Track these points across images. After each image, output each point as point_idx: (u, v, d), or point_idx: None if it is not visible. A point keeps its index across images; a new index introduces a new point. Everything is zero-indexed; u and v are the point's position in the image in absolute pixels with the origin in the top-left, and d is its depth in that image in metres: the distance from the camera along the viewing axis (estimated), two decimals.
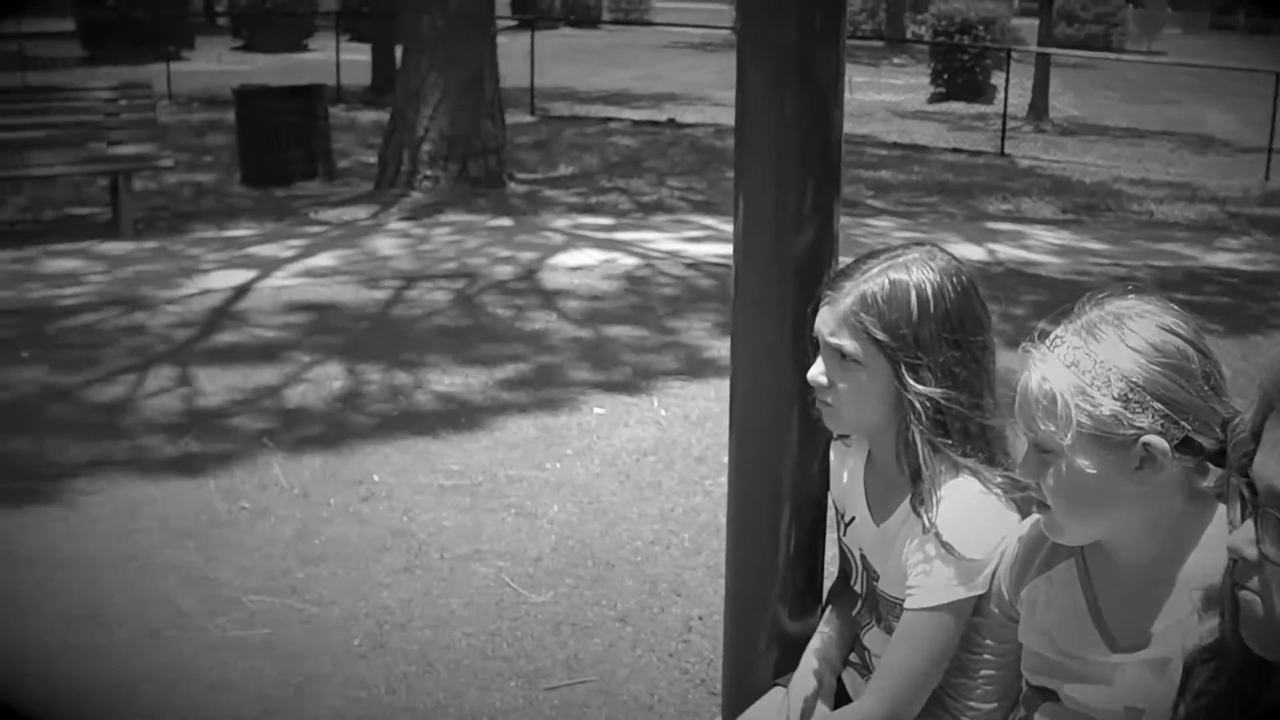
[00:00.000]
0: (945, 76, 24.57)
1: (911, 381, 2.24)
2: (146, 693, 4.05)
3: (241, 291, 8.84)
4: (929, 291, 2.26)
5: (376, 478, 5.68)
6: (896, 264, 2.30)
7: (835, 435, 2.50)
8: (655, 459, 5.92)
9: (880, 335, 2.25)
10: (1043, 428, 1.90)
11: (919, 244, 2.38)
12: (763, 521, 2.61)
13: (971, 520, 2.22)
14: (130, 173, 11.01)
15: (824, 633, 2.59)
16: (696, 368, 7.23)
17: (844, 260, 2.43)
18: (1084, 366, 1.88)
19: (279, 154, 13.05)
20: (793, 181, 2.48)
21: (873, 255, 2.36)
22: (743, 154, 2.56)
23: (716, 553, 4.90)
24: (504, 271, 9.45)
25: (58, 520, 5.27)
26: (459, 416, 6.44)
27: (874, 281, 2.28)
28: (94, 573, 4.81)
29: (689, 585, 4.73)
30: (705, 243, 10.49)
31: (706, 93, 24.52)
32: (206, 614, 4.52)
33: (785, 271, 2.49)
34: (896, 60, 31.87)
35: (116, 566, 4.87)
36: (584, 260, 9.79)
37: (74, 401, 6.72)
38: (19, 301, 8.66)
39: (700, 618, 4.49)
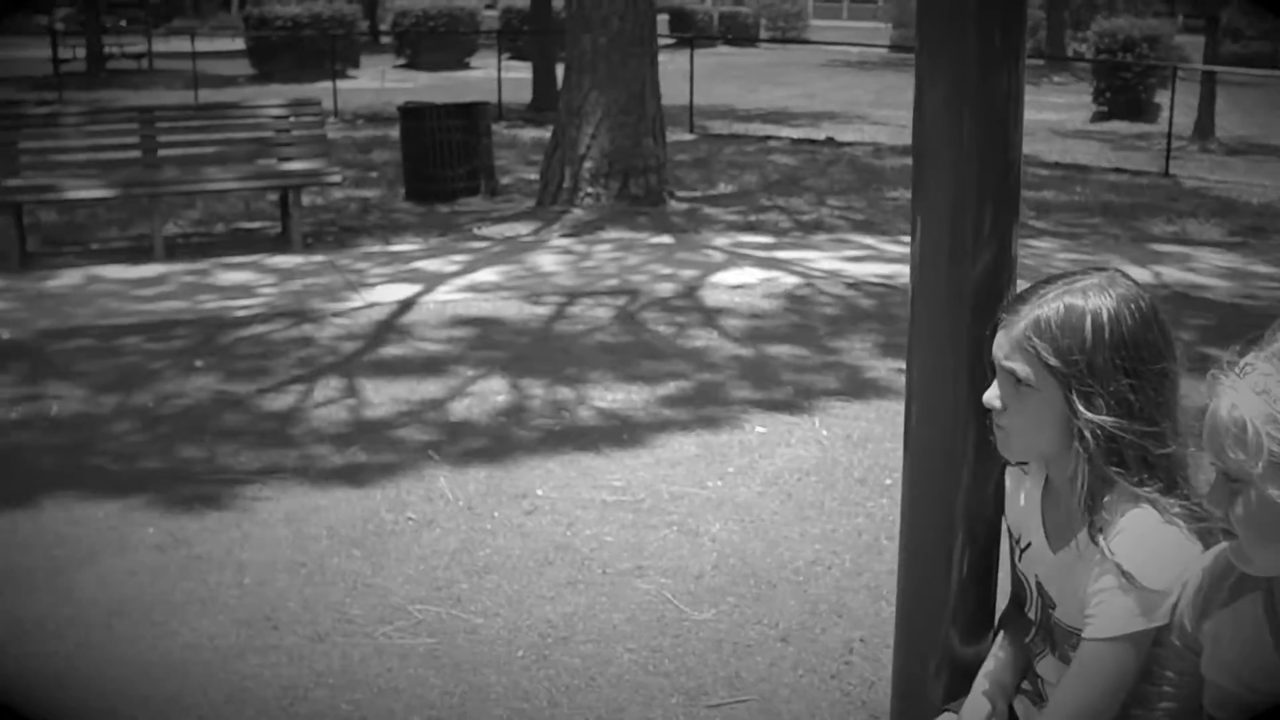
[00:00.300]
0: (1108, 95, 24.13)
1: (1082, 409, 2.22)
2: (315, 696, 4.13)
3: (407, 305, 9.01)
4: (1104, 318, 2.23)
5: (540, 492, 5.75)
6: (1073, 289, 2.28)
7: (1014, 462, 2.48)
8: (817, 479, 5.90)
9: (1052, 361, 2.23)
10: (1232, 456, 1.86)
11: (1100, 269, 2.36)
12: (935, 544, 2.60)
13: (1153, 550, 2.18)
14: (300, 188, 11.29)
15: (997, 657, 2.56)
16: (858, 388, 7.19)
17: (1022, 283, 2.41)
18: (1276, 394, 1.84)
19: (443, 170, 13.27)
20: (971, 203, 2.47)
21: (1052, 279, 2.34)
22: (920, 174, 2.55)
23: (878, 574, 4.88)
24: (665, 289, 9.50)
25: (231, 526, 5.41)
26: (621, 433, 6.49)
27: (1049, 306, 2.26)
28: (267, 577, 4.94)
29: (850, 607, 4.71)
30: (866, 262, 10.44)
31: (865, 111, 24.43)
32: (374, 621, 4.61)
33: (963, 294, 2.48)
34: (1057, 79, 31.43)
35: (287, 572, 4.98)
36: (744, 278, 9.80)
37: (245, 410, 6.89)
38: (193, 312, 8.93)
39: (862, 640, 4.47)
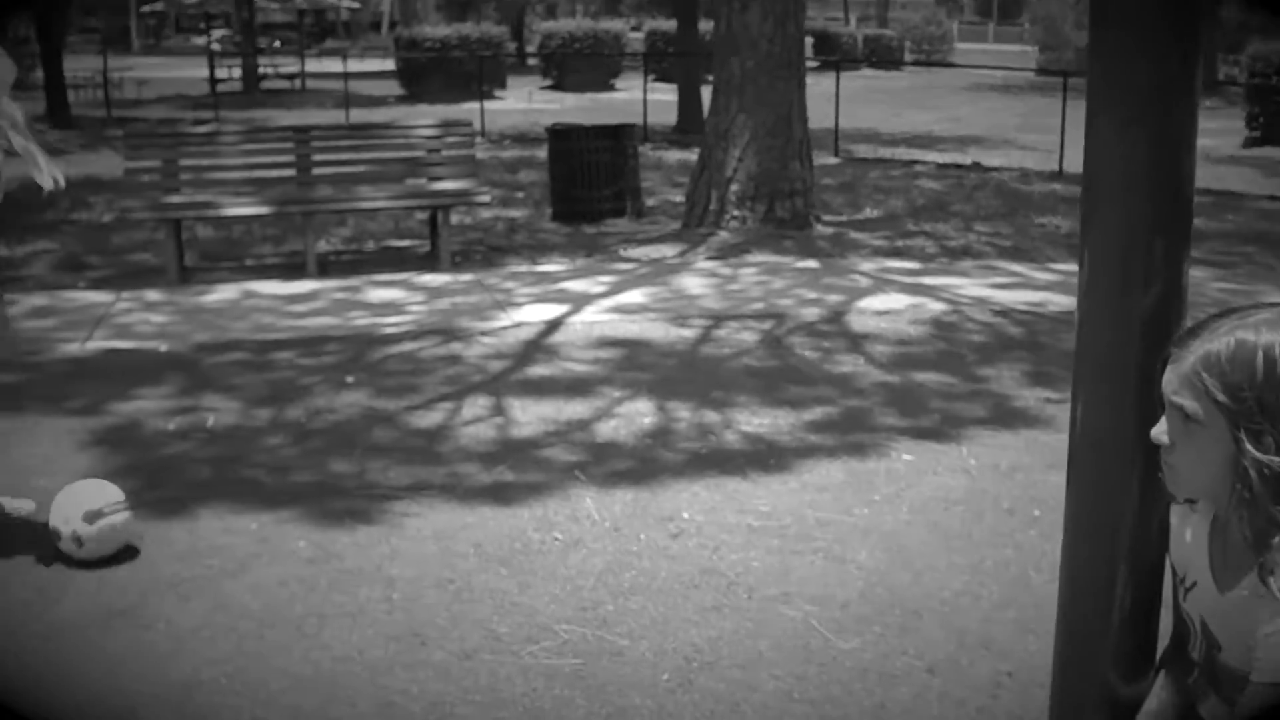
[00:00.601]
0: (1261, 120, 23.59)
1: (1249, 447, 2.16)
2: (461, 713, 4.17)
3: (554, 325, 9.08)
4: (1276, 353, 2.18)
5: (686, 515, 5.75)
6: (1246, 324, 2.22)
7: (1181, 499, 2.43)
8: (964, 509, 5.82)
9: (1221, 397, 2.18)
10: None
11: (1276, 304, 2.30)
12: (1097, 579, 2.55)
13: None
14: (449, 207, 11.44)
15: (1159, 697, 2.51)
16: (1006, 417, 7.08)
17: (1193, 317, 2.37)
18: None
19: (590, 191, 13.37)
20: (1142, 234, 2.42)
21: (1225, 313, 2.29)
22: (1090, 204, 2.51)
23: (1026, 607, 4.81)
24: (811, 313, 9.46)
25: (381, 541, 5.49)
26: (767, 457, 6.46)
27: (1220, 341, 2.21)
28: (415, 593, 5.00)
29: (998, 640, 4.64)
30: (1014, 289, 10.31)
31: (1011, 135, 24.17)
32: (520, 640, 4.64)
33: (1132, 326, 2.43)
34: (1208, 103, 30.74)
35: (435, 588, 5.04)
36: (891, 304, 9.72)
37: (394, 426, 7.00)
38: (344, 328, 9.11)
39: (1009, 674, 4.40)
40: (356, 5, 61.11)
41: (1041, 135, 21.15)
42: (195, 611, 4.85)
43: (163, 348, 8.58)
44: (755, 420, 7.03)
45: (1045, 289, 10.21)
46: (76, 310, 9.66)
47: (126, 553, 5.32)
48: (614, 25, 40.71)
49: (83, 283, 10.70)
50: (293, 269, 11.04)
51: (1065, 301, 9.53)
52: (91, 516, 5.21)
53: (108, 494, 5.38)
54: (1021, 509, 5.79)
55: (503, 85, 34.53)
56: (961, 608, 4.88)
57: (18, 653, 4.56)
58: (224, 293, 10.27)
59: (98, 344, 8.70)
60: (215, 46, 41.50)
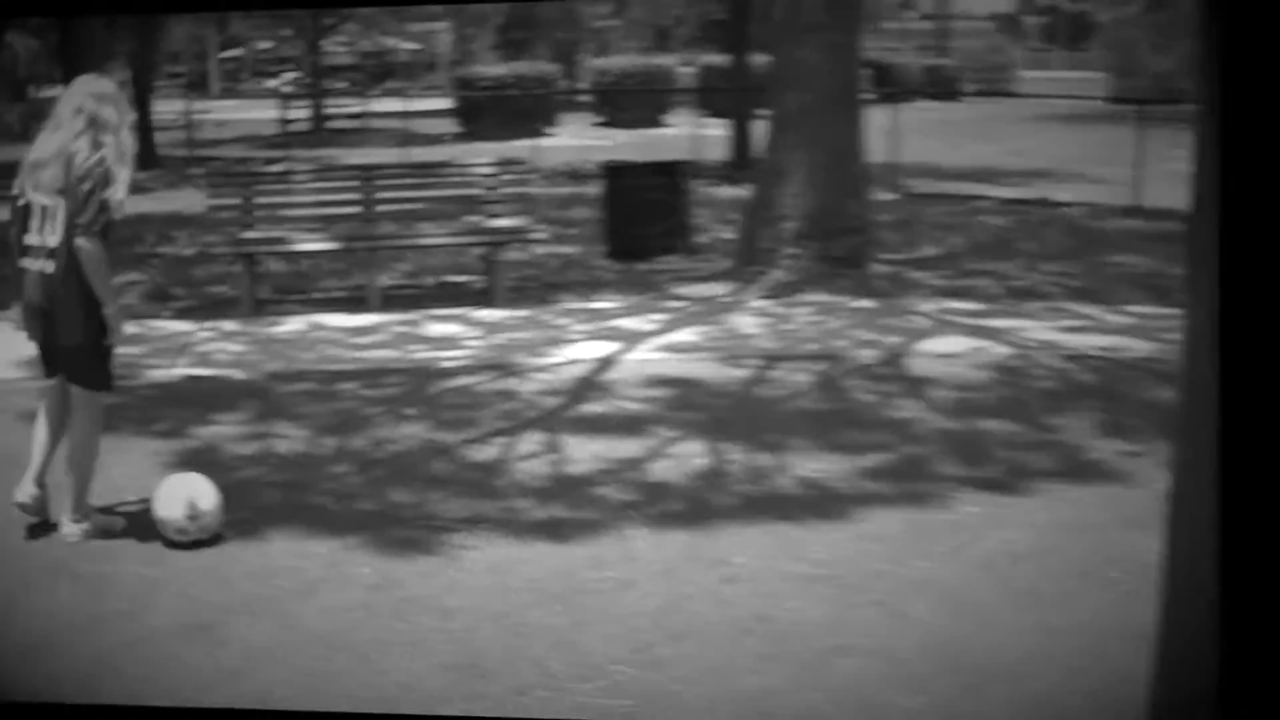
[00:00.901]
0: None
1: None
2: None
3: (607, 363, 9.10)
4: None
5: (739, 559, 5.68)
6: None
7: None
8: (1032, 566, 5.62)
9: None
10: None
11: None
12: (1195, 654, 2.48)
13: None
14: (505, 244, 11.53)
15: None
16: (1077, 469, 6.87)
17: None
18: None
19: (643, 228, 13.33)
20: None
21: None
22: (1195, 249, 2.44)
23: (1102, 675, 4.59)
24: (867, 355, 9.37)
25: (440, 571, 5.57)
26: (822, 503, 6.37)
27: None
28: (472, 624, 5.05)
29: (1069, 706, 4.47)
30: (1084, 333, 9.97)
31: (1079, 168, 23.64)
32: (574, 679, 4.62)
33: None
34: None
35: (492, 622, 5.08)
36: (952, 347, 9.54)
37: (452, 459, 7.10)
38: (404, 361, 9.30)
39: None
40: (418, 47, 61.70)
41: (1113, 168, 20.31)
42: (265, 630, 5.03)
43: (238, 376, 8.97)
44: (810, 465, 6.94)
45: (1119, 333, 9.89)
46: (163, 338, 10.15)
47: (209, 570, 5.63)
48: (666, 61, 40.75)
49: (168, 312, 11.17)
50: (357, 302, 11.21)
51: (1141, 347, 9.26)
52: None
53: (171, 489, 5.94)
54: (1095, 570, 5.54)
55: (556, 122, 34.68)
56: (1030, 672, 4.68)
57: (106, 658, 4.80)
58: (293, 324, 10.60)
59: (182, 370, 9.18)
60: (286, 89, 42.03)
